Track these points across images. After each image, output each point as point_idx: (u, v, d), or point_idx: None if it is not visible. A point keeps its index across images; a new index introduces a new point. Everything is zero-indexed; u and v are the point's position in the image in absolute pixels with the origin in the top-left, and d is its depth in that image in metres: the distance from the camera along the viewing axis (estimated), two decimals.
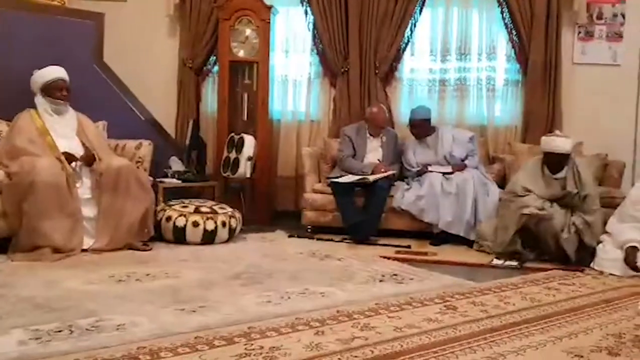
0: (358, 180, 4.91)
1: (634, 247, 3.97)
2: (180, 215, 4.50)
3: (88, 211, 4.14)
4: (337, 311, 2.92)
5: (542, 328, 2.81)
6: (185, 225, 4.46)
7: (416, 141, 5.22)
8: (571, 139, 4.43)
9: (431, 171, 4.95)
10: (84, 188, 4.17)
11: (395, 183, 5.05)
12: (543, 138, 4.50)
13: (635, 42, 5.57)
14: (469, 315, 2.97)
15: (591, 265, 4.13)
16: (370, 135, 5.23)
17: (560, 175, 4.37)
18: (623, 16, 5.56)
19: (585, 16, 5.58)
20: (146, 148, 4.80)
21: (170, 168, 5.15)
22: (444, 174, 4.90)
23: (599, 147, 5.29)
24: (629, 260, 3.95)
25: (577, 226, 4.20)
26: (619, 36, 5.58)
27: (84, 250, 4.04)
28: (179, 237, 4.47)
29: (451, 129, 5.33)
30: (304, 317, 2.80)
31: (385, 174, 4.94)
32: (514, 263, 4.19)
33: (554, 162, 4.37)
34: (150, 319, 2.71)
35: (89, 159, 4.25)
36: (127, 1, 5.90)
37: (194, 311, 2.86)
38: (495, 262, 4.25)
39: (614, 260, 4.02)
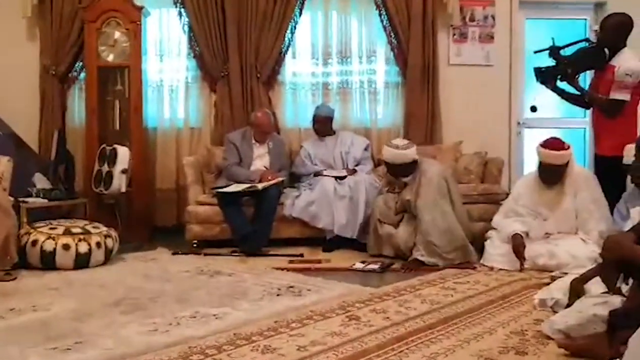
0: (246, 189, 4.69)
1: (520, 235, 4.04)
2: (48, 238, 4.10)
3: None
4: (234, 334, 2.70)
5: (447, 332, 2.77)
6: (54, 249, 4.06)
7: (316, 139, 5.25)
8: (405, 151, 4.34)
9: (324, 175, 4.89)
10: None
11: (285, 190, 4.91)
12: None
13: (505, 43, 5.81)
14: (373, 324, 2.86)
15: (481, 261, 4.20)
16: (256, 141, 5.05)
17: (407, 180, 4.42)
18: (493, 18, 5.78)
19: (459, 18, 5.74)
20: (5, 165, 4.39)
21: (34, 186, 4.70)
22: (336, 178, 4.84)
23: (478, 146, 5.46)
24: (516, 246, 3.98)
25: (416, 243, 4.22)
26: (490, 37, 5.79)
27: None
28: (48, 262, 4.06)
29: (351, 134, 5.38)
30: (198, 345, 2.55)
31: (275, 181, 4.76)
32: (375, 267, 4.15)
33: (388, 167, 4.47)
34: None
35: None
36: None
37: (68, 349, 2.53)
38: (357, 265, 4.20)
39: (502, 255, 4.09)
